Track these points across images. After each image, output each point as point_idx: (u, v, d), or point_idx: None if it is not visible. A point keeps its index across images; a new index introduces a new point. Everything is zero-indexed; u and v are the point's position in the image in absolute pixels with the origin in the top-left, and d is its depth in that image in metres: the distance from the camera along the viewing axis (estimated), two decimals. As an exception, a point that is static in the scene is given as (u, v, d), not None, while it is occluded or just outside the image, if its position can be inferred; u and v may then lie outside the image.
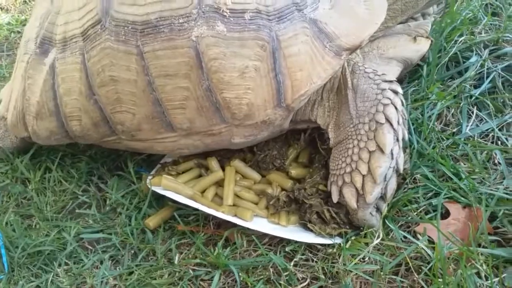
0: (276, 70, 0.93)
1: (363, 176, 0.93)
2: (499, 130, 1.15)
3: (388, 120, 0.94)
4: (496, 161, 1.07)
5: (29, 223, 1.13)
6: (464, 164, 1.07)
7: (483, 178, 1.03)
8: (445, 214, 0.98)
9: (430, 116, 1.17)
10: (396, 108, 0.95)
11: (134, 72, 0.96)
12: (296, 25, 0.94)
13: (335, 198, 0.97)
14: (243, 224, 1.00)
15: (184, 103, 0.97)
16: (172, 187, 1.08)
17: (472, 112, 1.19)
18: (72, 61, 1.02)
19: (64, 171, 1.26)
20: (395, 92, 0.98)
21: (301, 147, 1.15)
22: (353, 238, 0.96)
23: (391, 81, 1.00)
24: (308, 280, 0.92)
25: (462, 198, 0.99)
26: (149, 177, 1.14)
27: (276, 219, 1.04)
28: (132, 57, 0.96)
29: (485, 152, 1.09)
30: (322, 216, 1.00)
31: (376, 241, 0.92)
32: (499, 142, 1.13)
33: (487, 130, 1.16)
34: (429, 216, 0.98)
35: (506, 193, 0.98)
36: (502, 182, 1.01)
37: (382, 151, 0.92)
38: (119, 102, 0.99)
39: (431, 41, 1.23)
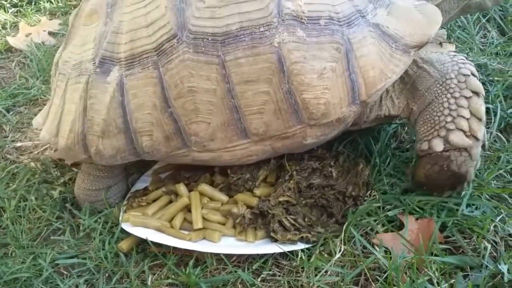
0: (350, 70, 1.02)
1: (467, 119, 1.03)
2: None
3: (472, 73, 1.07)
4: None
5: (5, 251, 1.16)
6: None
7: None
8: (400, 226, 1.05)
9: (386, 134, 1.25)
10: (471, 64, 1.09)
11: (214, 81, 1.02)
12: (363, 29, 1.04)
13: (440, 147, 1.05)
14: (209, 250, 1.06)
15: (263, 107, 1.03)
16: (140, 222, 1.14)
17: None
18: (144, 76, 1.06)
19: (39, 199, 1.29)
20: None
21: (271, 169, 1.21)
22: (316, 252, 1.02)
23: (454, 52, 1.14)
24: (275, 294, 0.98)
25: (416, 210, 1.06)
26: (123, 206, 1.20)
27: (243, 236, 1.10)
28: (212, 67, 1.01)
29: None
30: (283, 225, 1.07)
31: (338, 255, 0.99)
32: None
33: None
34: (385, 228, 1.05)
35: (456, 205, 1.06)
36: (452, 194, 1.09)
37: (477, 94, 1.04)
38: (196, 112, 1.04)
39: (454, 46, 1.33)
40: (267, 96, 1.02)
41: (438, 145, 1.05)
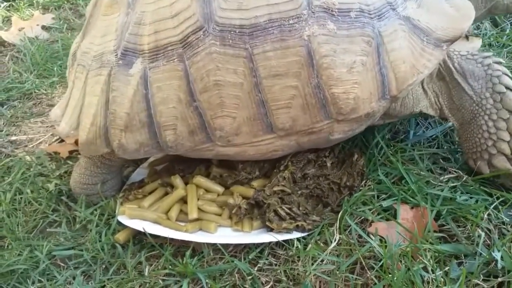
0: (380, 64, 1.01)
1: (508, 142, 1.05)
2: (444, 136, 1.26)
3: (508, 87, 1.06)
4: (442, 165, 1.17)
5: (1, 244, 1.16)
6: (413, 168, 1.16)
7: (428, 181, 1.11)
8: (395, 215, 1.06)
9: (382, 125, 1.26)
10: (507, 75, 1.08)
11: (241, 74, 1.00)
12: (394, 22, 1.03)
13: (486, 170, 1.08)
14: (205, 240, 1.06)
15: (290, 102, 1.01)
16: (137, 215, 1.14)
17: (419, 121, 1.30)
18: (169, 69, 1.04)
19: (35, 192, 1.29)
20: (499, 63, 1.10)
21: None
22: (312, 241, 1.03)
23: (489, 56, 1.11)
24: (272, 283, 0.99)
25: (411, 199, 1.07)
26: (119, 198, 1.21)
27: (240, 227, 1.11)
28: (240, 60, 1.00)
29: (429, 155, 1.18)
30: (279, 214, 1.08)
31: (333, 244, 0.99)
32: (444, 147, 1.23)
33: (431, 136, 1.26)
34: (380, 217, 1.06)
35: (450, 193, 1.07)
36: (447, 182, 1.10)
37: None
38: (222, 106, 1.02)
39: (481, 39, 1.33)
40: (295, 90, 1.01)
41: (484, 168, 1.08)
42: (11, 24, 2.40)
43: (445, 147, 1.24)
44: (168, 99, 1.05)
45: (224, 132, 1.05)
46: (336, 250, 1.00)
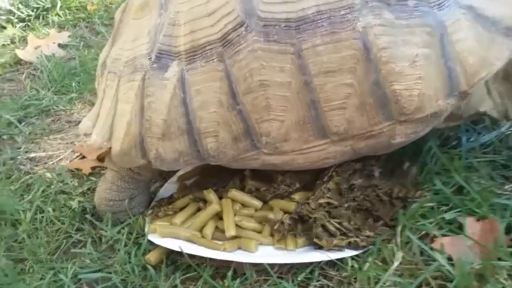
0: (446, 57, 0.91)
1: None
2: (499, 141, 1.15)
3: None
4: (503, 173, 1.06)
5: (22, 267, 1.06)
6: (472, 176, 1.05)
7: (491, 190, 1.00)
8: (460, 228, 0.94)
9: (430, 131, 1.16)
10: None
11: (289, 73, 0.91)
12: (455, 11, 0.93)
13: None
14: (247, 260, 0.95)
15: (345, 102, 0.91)
16: (168, 233, 1.04)
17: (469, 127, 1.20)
18: (208, 70, 0.95)
19: (57, 210, 1.20)
20: None
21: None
22: (369, 260, 0.91)
23: None
24: (326, 307, 0.88)
25: (476, 210, 0.96)
26: (147, 216, 1.11)
27: (283, 245, 1.00)
28: (287, 57, 0.91)
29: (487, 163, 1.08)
30: (328, 229, 0.97)
31: (396, 264, 0.88)
32: (502, 153, 1.12)
33: (485, 142, 1.16)
34: (442, 231, 0.95)
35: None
36: None
37: None
38: (268, 109, 0.93)
39: None
40: (350, 88, 0.91)
41: None
42: (27, 43, 2.35)
43: (503, 153, 1.13)
44: (208, 103, 0.95)
45: (271, 138, 0.95)
46: (397, 270, 0.89)
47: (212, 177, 1.17)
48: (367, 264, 0.91)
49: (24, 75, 2.06)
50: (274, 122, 0.94)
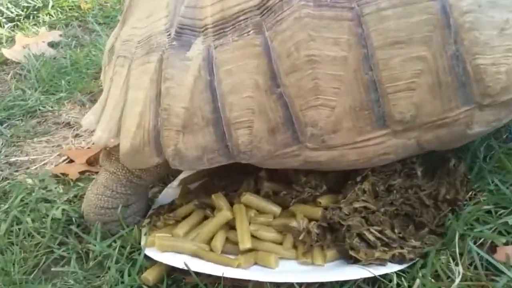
0: None
1: None
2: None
3: None
4: None
5: (-11, 290, 0.88)
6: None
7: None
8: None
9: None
10: None
11: (345, 45, 0.74)
12: None
13: None
14: (266, 278, 0.77)
15: (414, 81, 0.73)
16: (170, 246, 0.86)
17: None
18: (242, 45, 0.78)
19: (37, 221, 1.02)
20: None
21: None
22: (419, 276, 0.74)
23: None
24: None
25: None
26: (144, 226, 0.93)
27: (309, 259, 0.82)
28: (343, 25, 0.73)
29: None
30: (366, 239, 0.79)
31: (457, 281, 0.70)
32: None
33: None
34: (504, 239, 0.77)
35: None
36: None
37: None
38: (316, 92, 0.75)
39: None
40: (422, 63, 0.73)
41: None
42: (15, 42, 2.19)
43: None
44: (242, 86, 0.78)
45: (318, 128, 0.77)
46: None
47: (223, 179, 1.00)
48: (418, 281, 0.73)
49: (10, 75, 1.89)
50: (323, 108, 0.76)
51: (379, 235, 0.79)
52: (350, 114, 0.77)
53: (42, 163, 1.30)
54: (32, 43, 2.10)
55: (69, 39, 2.20)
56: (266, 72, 0.77)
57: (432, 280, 0.73)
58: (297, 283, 0.76)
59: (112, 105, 0.90)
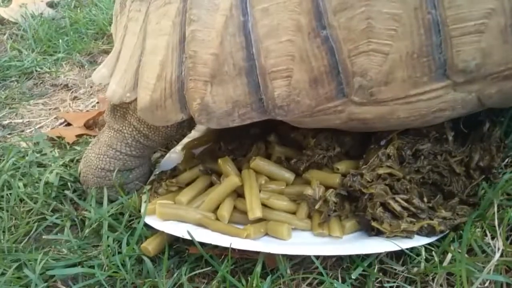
0: None
1: None
2: None
3: None
4: None
5: (-24, 258, 0.81)
6: None
7: None
8: None
9: None
10: None
11: None
12: None
13: None
14: (278, 250, 0.69)
15: (484, 22, 0.63)
16: (172, 215, 0.78)
17: None
18: None
19: (29, 186, 0.94)
20: None
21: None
22: (452, 250, 0.65)
23: None
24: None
25: None
26: (144, 193, 0.85)
27: (326, 230, 0.74)
28: None
29: None
30: (390, 209, 0.71)
31: (497, 257, 0.62)
32: None
33: None
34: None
35: None
36: None
37: None
38: (368, 35, 0.66)
39: None
40: (494, 1, 0.62)
41: None
42: (11, 1, 2.08)
43: None
44: (280, 28, 0.67)
45: (368, 79, 0.67)
46: (496, 265, 0.63)
47: (229, 143, 0.91)
48: (449, 256, 0.65)
49: (6, 35, 1.79)
50: (374, 55, 0.66)
51: (405, 204, 0.70)
52: (405, 62, 0.66)
53: (38, 126, 1.22)
54: (30, 2, 1.99)
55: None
56: (310, 10, 0.66)
57: (467, 255, 0.64)
58: (313, 256, 0.68)
59: (128, 55, 0.80)
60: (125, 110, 0.86)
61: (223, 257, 0.71)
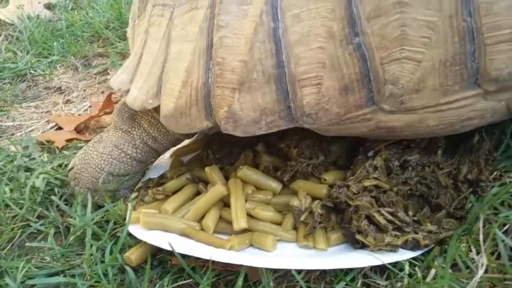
0: None
1: None
2: None
3: None
4: None
5: (-43, 265, 0.80)
6: None
7: None
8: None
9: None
10: None
11: None
12: None
13: None
14: (262, 263, 0.68)
15: None
16: (156, 224, 0.77)
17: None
18: None
19: (15, 191, 0.93)
20: None
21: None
22: (436, 265, 0.65)
23: None
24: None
25: None
26: (130, 200, 0.84)
27: (311, 242, 0.73)
28: None
29: None
30: (375, 222, 0.70)
31: (480, 273, 0.61)
32: None
33: None
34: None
35: None
36: None
37: None
38: (402, 42, 0.65)
39: None
40: None
41: None
42: (8, 2, 2.08)
43: None
44: (312, 35, 0.66)
45: (399, 87, 0.66)
46: (480, 281, 0.62)
47: (217, 151, 0.90)
48: (433, 271, 0.64)
49: (1, 36, 1.79)
50: (407, 62, 0.65)
51: (390, 217, 0.69)
52: (438, 70, 0.65)
53: (29, 129, 1.22)
54: (27, 4, 1.99)
55: (67, 1, 2.09)
56: (344, 17, 0.65)
57: (450, 271, 0.64)
58: (294, 271, 0.67)
59: (150, 60, 0.79)
60: (133, 112, 0.86)
61: (205, 268, 0.70)
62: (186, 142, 0.99)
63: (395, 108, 0.67)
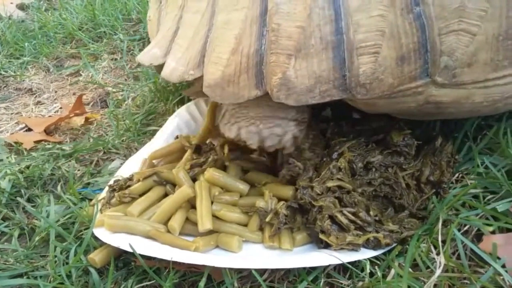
0: None
1: None
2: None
3: None
4: None
5: None
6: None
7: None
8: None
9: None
10: None
11: None
12: None
13: None
14: (226, 264, 0.68)
15: None
16: (121, 227, 0.76)
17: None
18: None
19: (-20, 192, 0.92)
20: None
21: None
22: (395, 265, 0.66)
23: None
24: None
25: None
26: (97, 202, 0.83)
27: (276, 243, 0.74)
28: None
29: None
30: (338, 222, 0.71)
31: (438, 272, 0.62)
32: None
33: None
34: (492, 227, 0.69)
35: None
36: None
37: None
38: (460, 14, 0.64)
39: None
40: None
41: None
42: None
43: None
44: (373, 2, 0.65)
45: (454, 59, 0.65)
46: (438, 280, 0.63)
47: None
48: (393, 271, 0.66)
49: (-29, 38, 1.76)
50: (463, 34, 0.64)
51: (352, 217, 0.71)
52: (490, 44, 0.65)
53: (-3, 130, 1.20)
54: (0, 4, 1.97)
55: (41, 1, 2.07)
56: None
57: (410, 270, 0.65)
58: (254, 270, 0.67)
59: (191, 32, 0.77)
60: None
61: (169, 270, 0.70)
62: (162, 145, 0.98)
63: (447, 81, 0.67)
